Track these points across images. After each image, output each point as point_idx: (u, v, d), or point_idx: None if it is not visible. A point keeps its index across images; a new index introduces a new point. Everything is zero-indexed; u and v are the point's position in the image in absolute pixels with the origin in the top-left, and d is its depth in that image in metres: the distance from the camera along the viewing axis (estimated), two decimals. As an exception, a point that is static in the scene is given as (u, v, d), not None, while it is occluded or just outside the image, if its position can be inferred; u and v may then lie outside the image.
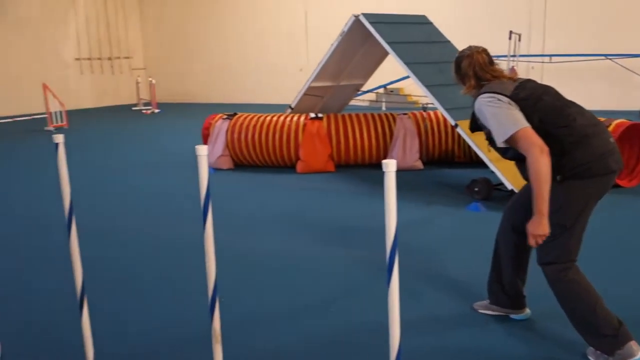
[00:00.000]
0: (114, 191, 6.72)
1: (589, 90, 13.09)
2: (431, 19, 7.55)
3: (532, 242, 2.69)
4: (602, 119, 6.31)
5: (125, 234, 5.03)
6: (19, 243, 4.87)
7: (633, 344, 2.69)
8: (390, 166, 1.78)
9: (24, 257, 4.52)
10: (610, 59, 12.37)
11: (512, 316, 3.20)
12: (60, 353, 2.99)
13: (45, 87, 12.16)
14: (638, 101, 12.07)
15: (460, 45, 7.29)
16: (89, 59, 17.86)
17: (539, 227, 2.64)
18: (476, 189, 5.76)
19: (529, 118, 2.70)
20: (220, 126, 7.56)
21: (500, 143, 2.74)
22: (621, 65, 12.30)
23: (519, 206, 3.00)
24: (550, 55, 13.09)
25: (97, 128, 12.76)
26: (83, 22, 17.59)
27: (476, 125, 2.98)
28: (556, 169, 2.67)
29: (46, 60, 16.52)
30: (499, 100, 2.75)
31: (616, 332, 2.70)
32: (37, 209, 5.93)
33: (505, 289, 3.16)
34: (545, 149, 2.60)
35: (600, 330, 2.72)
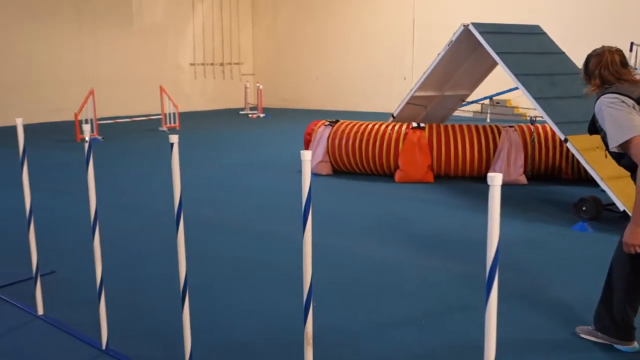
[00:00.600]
0: (219, 189, 7.03)
1: None
2: (547, 29, 7.26)
3: (625, 249, 2.63)
4: None
5: (230, 228, 5.25)
6: (136, 234, 5.22)
7: None
8: (496, 180, 1.74)
9: (139, 248, 4.84)
10: None
11: (618, 347, 3.00)
12: (162, 341, 3.17)
13: (162, 89, 12.95)
14: None
15: (576, 57, 6.97)
16: (202, 64, 18.80)
17: (632, 235, 2.58)
18: (584, 208, 5.46)
19: None
20: (322, 132, 7.69)
21: (612, 147, 2.64)
22: None
23: None
24: (677, 69, 12.13)
25: (206, 130, 13.40)
26: (200, 30, 18.56)
27: (594, 128, 2.86)
28: None
29: (164, 65, 17.59)
30: (622, 102, 2.64)
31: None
32: (151, 203, 6.32)
33: (614, 317, 2.97)
34: None
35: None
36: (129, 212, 6.02)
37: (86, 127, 2.91)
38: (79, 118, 11.25)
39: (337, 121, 7.82)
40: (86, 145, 2.90)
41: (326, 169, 7.70)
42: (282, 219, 5.65)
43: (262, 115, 16.13)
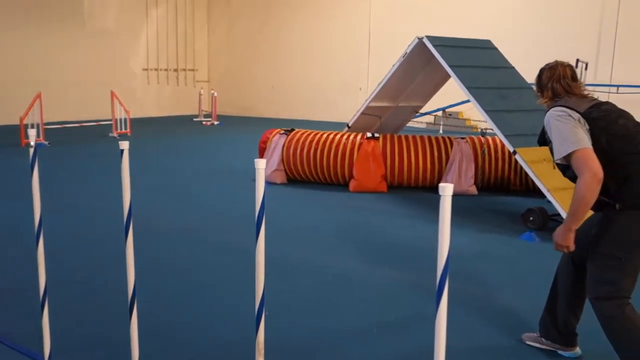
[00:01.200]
0: (170, 197, 6.91)
1: (658, 124, 12.58)
2: (497, 44, 7.46)
3: (555, 248, 2.79)
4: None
5: (181, 237, 5.16)
6: (83, 242, 5.06)
7: None
8: (447, 190, 1.77)
9: (86, 257, 4.70)
10: (682, 92, 11.88)
11: (561, 352, 3.09)
12: (108, 351, 3.08)
13: (113, 94, 12.68)
14: None
15: (525, 71, 7.18)
16: (156, 69, 18.52)
17: (563, 237, 2.71)
18: (531, 218, 5.62)
19: (596, 139, 2.66)
20: (277, 141, 7.68)
21: (557, 159, 2.73)
22: (694, 99, 11.78)
23: (581, 240, 2.92)
24: (618, 86, 12.68)
25: (158, 136, 13.18)
26: (154, 35, 18.29)
27: (543, 139, 2.94)
28: (616, 196, 2.63)
29: (116, 70, 17.24)
30: (569, 116, 2.72)
31: None
32: (99, 211, 6.16)
33: (558, 324, 3.06)
34: (599, 176, 2.56)
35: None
36: (76, 220, 5.85)
37: (32, 132, 2.81)
38: (25, 122, 10.88)
39: (292, 130, 7.83)
40: (31, 150, 2.81)
41: (280, 177, 7.68)
42: (235, 228, 5.59)
43: (216, 122, 15.99)
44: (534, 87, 3.09)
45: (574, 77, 2.92)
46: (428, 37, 6.70)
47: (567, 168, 2.78)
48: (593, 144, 2.65)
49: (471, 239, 5.30)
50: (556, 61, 3.01)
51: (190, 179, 8.09)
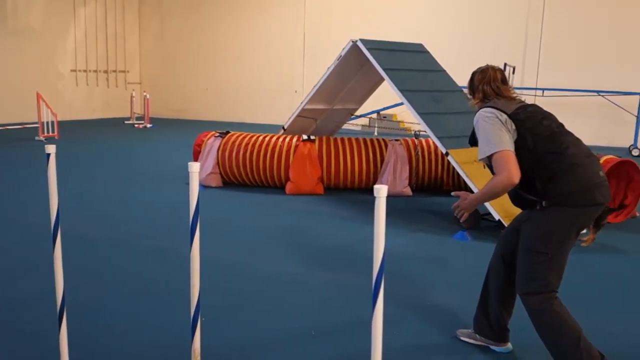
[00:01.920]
0: (101, 202, 6.68)
1: (580, 125, 13.18)
2: (428, 48, 7.64)
3: (456, 211, 3.01)
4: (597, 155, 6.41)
5: (113, 243, 4.99)
6: (10, 250, 4.81)
7: None
8: (381, 192, 1.79)
9: (13, 265, 4.47)
10: (602, 95, 12.55)
11: (493, 347, 3.19)
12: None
13: (39, 96, 12.15)
14: (628, 138, 12.23)
15: (456, 75, 7.39)
16: (85, 71, 17.88)
17: (468, 204, 2.93)
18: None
19: (523, 138, 2.76)
20: (212, 144, 7.57)
21: (480, 158, 2.85)
22: (612, 102, 12.48)
23: (510, 237, 3.02)
24: (543, 89, 13.26)
25: (88, 140, 12.73)
26: (82, 34, 17.64)
27: (474, 139, 3.03)
28: (542, 194, 2.73)
29: (42, 71, 16.51)
30: (497, 117, 2.82)
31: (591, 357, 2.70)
32: (25, 217, 5.88)
33: (490, 320, 3.15)
34: (514, 180, 2.70)
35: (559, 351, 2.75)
36: (1, 227, 5.56)
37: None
38: (-58, 125, 10.26)
39: (228, 132, 7.74)
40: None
41: (216, 180, 7.58)
42: (169, 233, 5.47)
43: (149, 125, 15.60)
44: (466, 90, 3.19)
45: (503, 80, 3.03)
46: (362, 40, 6.79)
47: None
48: (520, 144, 2.76)
49: (406, 239, 5.40)
50: (487, 65, 3.11)
51: (121, 184, 7.84)
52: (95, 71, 18.19)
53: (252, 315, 3.63)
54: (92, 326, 3.40)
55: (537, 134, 2.78)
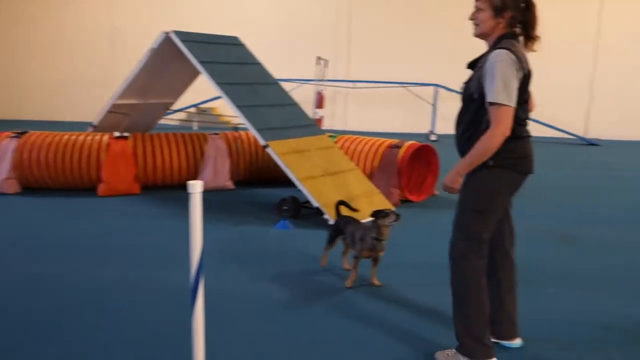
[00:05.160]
0: None
1: (387, 114, 14.33)
2: (244, 41, 7.60)
3: (444, 189, 2.84)
4: (397, 141, 6.92)
5: None
6: None
7: None
8: (195, 187, 1.70)
9: None
10: (404, 86, 13.63)
11: (504, 344, 3.13)
12: None
13: None
14: (426, 124, 13.44)
15: (271, 67, 7.45)
16: None
17: (451, 180, 2.78)
18: (285, 208, 5.89)
19: (520, 94, 2.69)
20: (7, 145, 6.76)
21: (489, 98, 2.63)
22: (413, 93, 13.62)
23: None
24: (354, 81, 14.03)
25: None
26: None
27: (473, 65, 2.84)
28: (494, 154, 2.70)
29: None
30: (518, 70, 2.64)
31: (485, 342, 2.83)
32: None
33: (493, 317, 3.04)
34: (506, 135, 2.63)
35: (473, 328, 2.83)
36: None
37: None
38: None
39: (25, 132, 6.97)
40: None
41: (13, 187, 6.76)
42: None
43: None
44: (478, 2, 2.77)
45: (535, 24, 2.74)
46: (176, 32, 6.54)
47: (471, 103, 2.75)
48: None
49: (228, 232, 5.32)
50: None
51: None
52: None
53: (87, 328, 3.30)
54: None
55: (524, 99, 2.74)
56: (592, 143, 13.09)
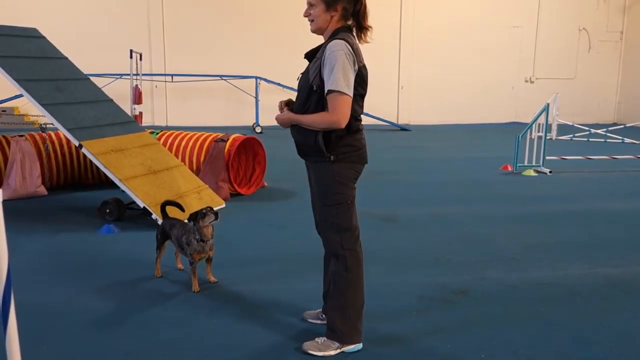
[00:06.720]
0: None
1: (208, 108, 14.17)
2: (46, 33, 6.96)
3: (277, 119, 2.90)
4: (221, 134, 6.88)
5: None
6: None
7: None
8: (-6, 195, 1.53)
9: None
10: (224, 79, 13.56)
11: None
12: None
13: None
14: (250, 117, 13.54)
15: (80, 62, 6.94)
16: None
17: (285, 120, 2.85)
18: (108, 210, 5.56)
19: (357, 89, 2.75)
20: None
21: (329, 86, 2.65)
22: (234, 85, 13.61)
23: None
24: (172, 75, 13.62)
25: None
26: None
27: (311, 56, 2.84)
28: (334, 147, 2.76)
29: None
30: (354, 62, 2.69)
31: (359, 327, 2.94)
32: None
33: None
34: (342, 126, 2.69)
35: (351, 314, 2.92)
36: None
37: None
38: None
39: None
40: None
41: None
42: None
43: None
44: None
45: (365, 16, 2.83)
46: (-40, 22, 5.79)
47: (311, 95, 2.75)
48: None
49: (46, 243, 4.88)
50: None
51: None
52: None
53: None
54: None
55: (361, 94, 2.79)
56: (404, 129, 14.21)
